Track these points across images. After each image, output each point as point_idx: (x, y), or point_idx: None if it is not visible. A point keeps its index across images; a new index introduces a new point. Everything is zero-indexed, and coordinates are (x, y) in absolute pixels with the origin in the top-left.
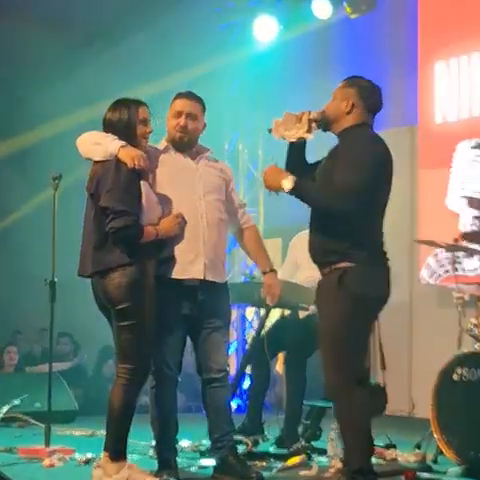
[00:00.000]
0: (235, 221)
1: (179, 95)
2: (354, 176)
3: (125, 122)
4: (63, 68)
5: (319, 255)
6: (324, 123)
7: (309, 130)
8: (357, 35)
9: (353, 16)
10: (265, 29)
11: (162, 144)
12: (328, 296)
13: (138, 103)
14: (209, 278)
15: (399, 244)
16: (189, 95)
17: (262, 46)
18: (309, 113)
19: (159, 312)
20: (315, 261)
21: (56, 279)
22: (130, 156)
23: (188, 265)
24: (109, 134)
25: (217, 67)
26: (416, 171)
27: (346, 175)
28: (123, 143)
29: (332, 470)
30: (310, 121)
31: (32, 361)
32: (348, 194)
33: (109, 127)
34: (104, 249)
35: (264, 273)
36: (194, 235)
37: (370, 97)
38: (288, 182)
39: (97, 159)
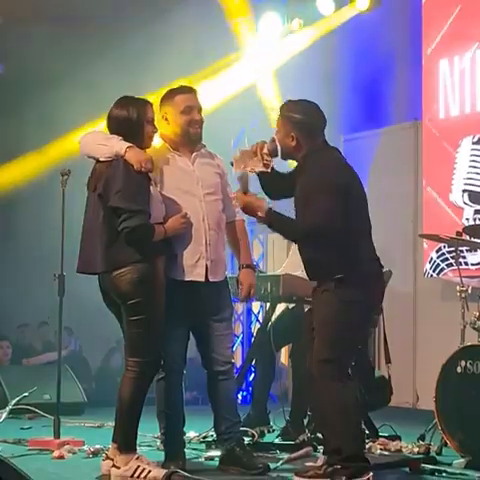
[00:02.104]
0: (226, 214)
1: (181, 90)
2: (320, 219)
3: (134, 121)
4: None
5: (315, 275)
6: (281, 154)
7: (266, 164)
8: (361, 32)
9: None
10: (270, 26)
11: (158, 143)
12: (322, 303)
13: (146, 102)
14: (211, 279)
15: (403, 238)
16: (191, 89)
17: (267, 42)
18: (263, 146)
19: (166, 308)
20: (312, 279)
21: (65, 273)
22: (137, 159)
23: (191, 267)
24: (114, 135)
25: (223, 63)
26: (420, 166)
27: (312, 217)
28: (129, 144)
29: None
30: (264, 155)
31: (32, 354)
32: (318, 236)
33: (114, 123)
34: (115, 247)
35: (240, 268)
36: (197, 238)
37: (307, 125)
38: (263, 213)
39: (102, 159)
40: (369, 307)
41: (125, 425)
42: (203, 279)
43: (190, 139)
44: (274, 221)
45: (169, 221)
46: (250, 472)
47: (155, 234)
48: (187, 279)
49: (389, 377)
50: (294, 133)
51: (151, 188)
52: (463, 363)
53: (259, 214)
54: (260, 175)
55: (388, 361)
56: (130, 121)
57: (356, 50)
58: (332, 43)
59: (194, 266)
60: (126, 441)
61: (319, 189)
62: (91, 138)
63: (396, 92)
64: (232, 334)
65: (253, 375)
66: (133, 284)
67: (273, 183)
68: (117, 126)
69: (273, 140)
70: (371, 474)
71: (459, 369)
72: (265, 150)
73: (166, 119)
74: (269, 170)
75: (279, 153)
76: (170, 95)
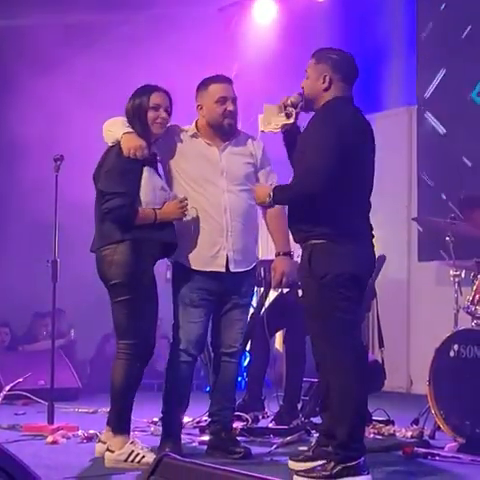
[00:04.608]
0: None
1: (216, 80)
2: (320, 160)
3: (136, 108)
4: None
5: (294, 234)
6: (305, 104)
7: (289, 114)
8: (354, 17)
9: None
10: (264, 11)
11: (191, 129)
12: (302, 273)
13: (153, 89)
14: (232, 269)
15: (396, 222)
16: (227, 79)
17: (261, 28)
18: (287, 99)
19: (185, 292)
20: (295, 240)
21: (58, 259)
22: (126, 145)
23: (211, 258)
24: (124, 121)
25: (216, 50)
26: (413, 150)
27: (311, 158)
28: (129, 130)
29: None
30: (288, 107)
31: (31, 340)
32: (312, 177)
33: (126, 113)
34: (102, 228)
35: (276, 255)
36: (218, 229)
37: (344, 68)
38: (269, 196)
39: (109, 144)
40: (355, 277)
41: (119, 408)
42: (224, 269)
43: (223, 130)
44: (277, 192)
45: (164, 206)
46: (231, 456)
47: (141, 217)
48: (208, 270)
49: (382, 361)
50: (329, 73)
51: (148, 174)
52: (456, 347)
53: (268, 198)
54: (285, 138)
55: (381, 345)
56: (134, 108)
57: (350, 35)
58: (326, 27)
59: (214, 257)
60: (120, 424)
61: (323, 141)
62: (108, 124)
63: (390, 77)
64: (245, 321)
65: (247, 360)
66: (113, 265)
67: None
68: (127, 115)
69: (298, 94)
70: (362, 459)
71: (452, 353)
72: (289, 102)
73: (201, 108)
74: (292, 120)
75: (303, 104)
76: (205, 84)
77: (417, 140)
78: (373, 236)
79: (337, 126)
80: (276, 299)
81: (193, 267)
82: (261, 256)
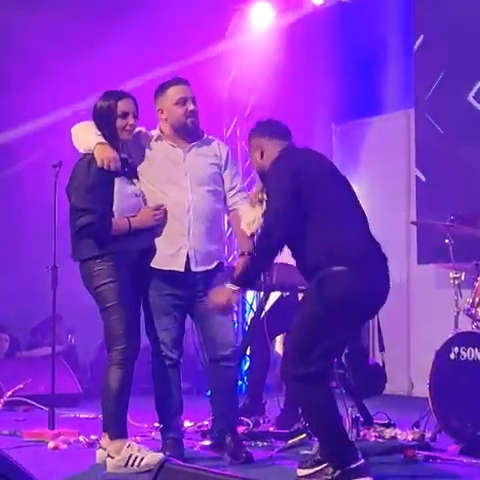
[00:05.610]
0: (228, 204)
1: (173, 82)
2: (269, 211)
3: (105, 114)
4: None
5: (304, 273)
6: (259, 176)
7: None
8: (351, 21)
9: None
10: (261, 15)
11: (156, 133)
12: (309, 296)
13: (119, 96)
14: (193, 269)
15: (396, 225)
16: (184, 81)
17: (259, 32)
18: (255, 193)
19: (152, 297)
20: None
21: (58, 265)
22: (100, 156)
23: (170, 257)
24: (93, 128)
25: (215, 54)
26: (412, 153)
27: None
28: (100, 140)
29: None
30: (260, 197)
31: (30, 346)
32: (268, 233)
33: (93, 116)
34: (77, 242)
35: (241, 254)
36: (180, 228)
37: (264, 130)
38: (233, 287)
39: (82, 152)
40: (363, 303)
41: (115, 413)
42: (182, 269)
43: (187, 130)
44: (240, 275)
45: (139, 213)
46: (234, 461)
47: (115, 228)
48: (166, 268)
49: (383, 365)
50: (259, 142)
51: (119, 184)
52: (457, 349)
53: (233, 293)
54: None
55: (382, 349)
56: (102, 114)
57: (347, 40)
58: (322, 32)
59: (175, 256)
60: (117, 429)
61: (269, 194)
62: (77, 130)
63: (387, 81)
64: (230, 320)
65: (248, 364)
66: (91, 278)
67: None
68: (94, 117)
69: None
70: (361, 461)
71: (452, 356)
72: (259, 194)
73: (162, 112)
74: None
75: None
76: (162, 88)
77: (415, 143)
78: (384, 258)
79: (276, 170)
80: (276, 303)
81: (153, 265)
82: None
